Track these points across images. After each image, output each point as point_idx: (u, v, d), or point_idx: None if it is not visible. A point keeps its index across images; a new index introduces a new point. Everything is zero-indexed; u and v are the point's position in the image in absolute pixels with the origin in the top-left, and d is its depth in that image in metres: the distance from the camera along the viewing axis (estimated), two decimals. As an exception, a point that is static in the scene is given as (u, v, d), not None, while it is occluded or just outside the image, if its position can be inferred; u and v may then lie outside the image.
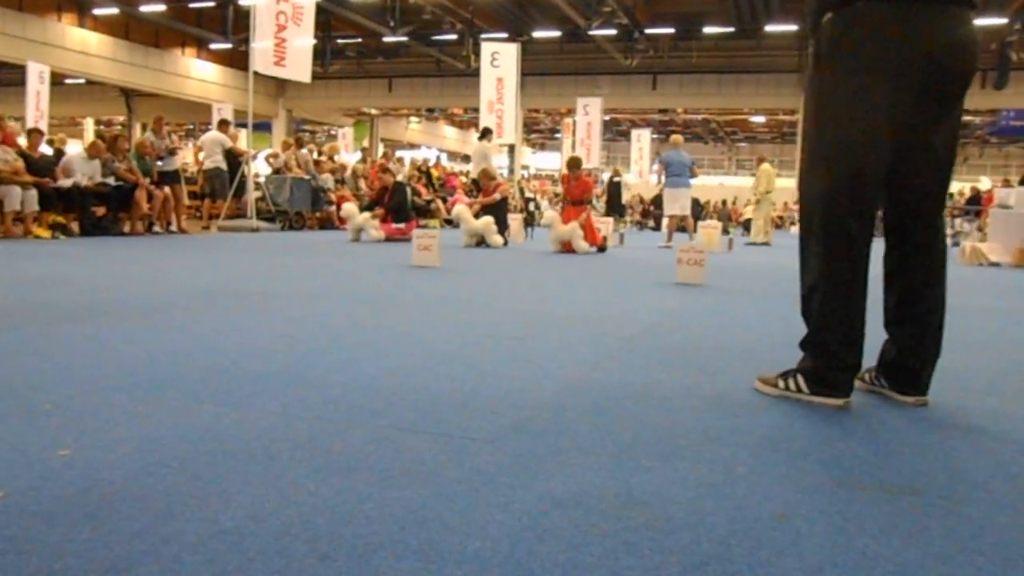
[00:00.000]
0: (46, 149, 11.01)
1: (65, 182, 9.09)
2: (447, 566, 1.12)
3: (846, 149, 2.09)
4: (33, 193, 8.58)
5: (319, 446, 1.64)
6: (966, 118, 23.57)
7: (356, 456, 1.58)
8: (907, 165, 2.13)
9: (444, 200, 15.83)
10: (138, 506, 1.29)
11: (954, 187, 18.16)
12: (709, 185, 36.69)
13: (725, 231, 14.68)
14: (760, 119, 37.87)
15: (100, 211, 9.49)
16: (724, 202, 28.46)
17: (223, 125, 12.80)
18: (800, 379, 2.20)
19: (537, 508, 1.35)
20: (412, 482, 1.45)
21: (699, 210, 21.59)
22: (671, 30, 26.92)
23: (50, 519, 1.23)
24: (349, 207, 10.50)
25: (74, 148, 12.91)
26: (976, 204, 17.47)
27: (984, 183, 22.18)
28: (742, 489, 1.48)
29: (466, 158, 33.32)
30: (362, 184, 14.66)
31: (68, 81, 29.05)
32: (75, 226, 9.23)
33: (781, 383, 2.25)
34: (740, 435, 1.85)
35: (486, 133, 13.23)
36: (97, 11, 25.93)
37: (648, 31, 26.84)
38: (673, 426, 1.91)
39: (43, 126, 16.65)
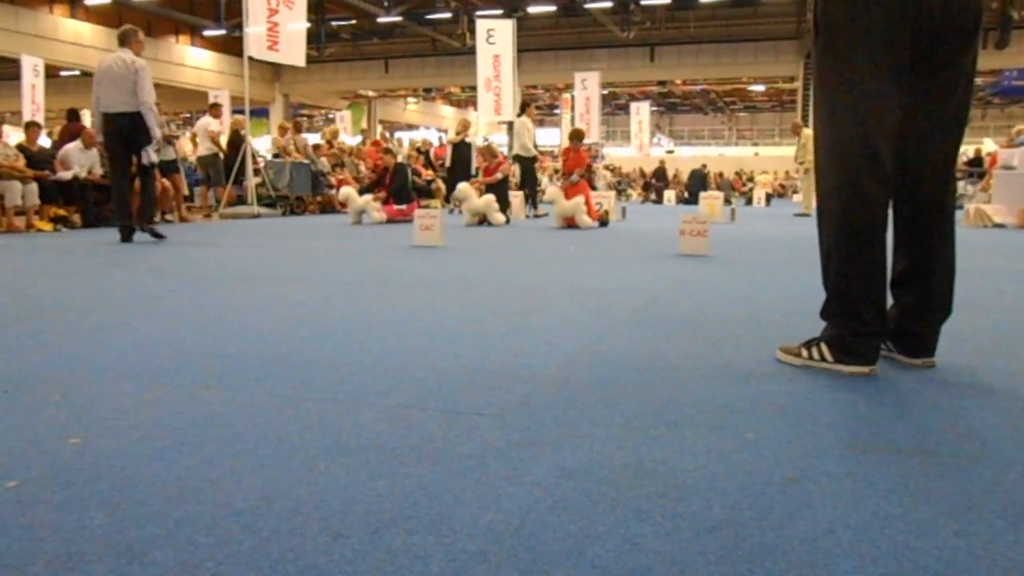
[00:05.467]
0: (45, 141, 10.99)
1: (64, 175, 9.08)
2: (460, 540, 1.13)
3: (855, 112, 2.07)
4: (33, 187, 8.58)
5: (329, 427, 1.64)
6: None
7: (366, 435, 1.59)
8: (917, 123, 2.11)
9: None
10: (151, 491, 1.30)
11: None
12: (709, 156, 36.56)
13: (727, 201, 14.62)
14: (759, 88, 37.61)
15: (100, 201, 9.49)
16: (722, 173, 28.31)
17: (214, 109, 12.74)
18: (824, 348, 2.17)
19: (547, 480, 1.35)
20: (422, 459, 1.45)
21: (702, 181, 21.50)
22: (667, 0, 26.65)
23: (64, 506, 1.24)
24: (347, 191, 10.46)
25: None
26: (979, 166, 17.34)
27: (988, 144, 22.00)
28: (752, 455, 1.49)
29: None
30: (362, 167, 14.61)
31: (63, 73, 28.90)
32: (77, 218, 9.23)
33: (804, 352, 2.22)
34: (748, 402, 1.85)
35: (525, 107, 13.06)
36: (88, 1, 25.73)
37: (644, 2, 26.58)
38: (680, 396, 1.91)
39: (40, 120, 16.61)
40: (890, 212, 2.23)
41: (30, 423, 1.67)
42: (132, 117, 6.64)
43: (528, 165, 12.39)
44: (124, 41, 6.88)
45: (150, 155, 6.92)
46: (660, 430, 1.63)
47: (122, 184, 6.94)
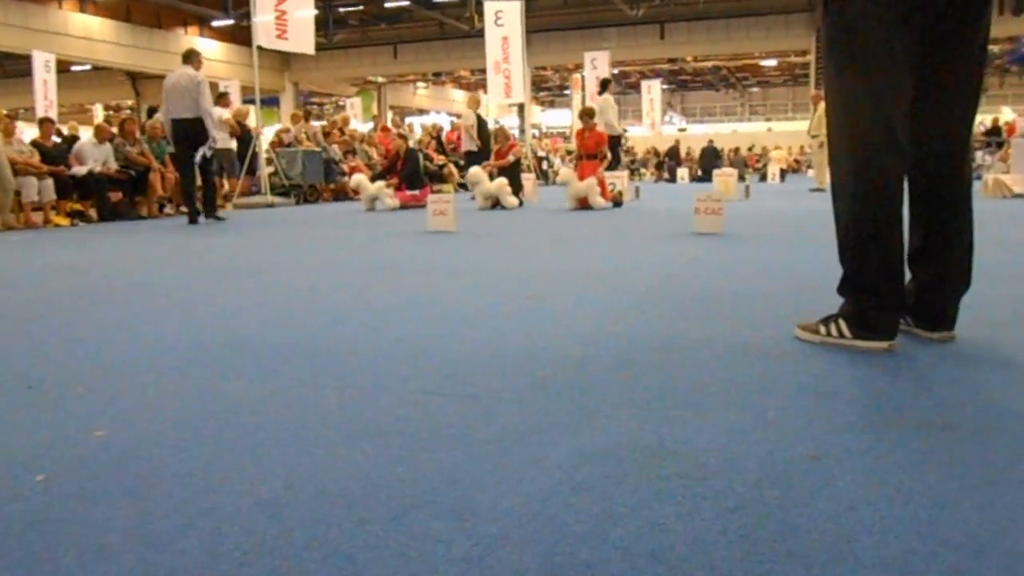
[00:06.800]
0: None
1: (80, 170, 9.14)
2: (481, 523, 1.14)
3: (868, 88, 2.04)
4: (49, 182, 8.64)
5: (349, 413, 1.66)
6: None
7: (386, 421, 1.60)
8: (931, 92, 2.08)
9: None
10: (176, 482, 1.32)
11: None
12: (722, 133, 36.26)
13: (741, 178, 14.50)
14: (771, 62, 37.20)
15: (116, 196, 9.55)
16: (737, 149, 28.09)
17: (223, 99, 12.76)
18: (842, 323, 2.16)
19: (568, 463, 1.36)
20: (442, 444, 1.46)
21: (716, 159, 21.35)
22: (676, -24, 26.36)
23: (91, 498, 1.26)
24: (358, 178, 10.47)
25: (86, 135, 12.95)
26: (997, 136, 17.11)
27: (1006, 113, 21.67)
28: (772, 433, 1.48)
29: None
30: (373, 153, 14.61)
31: (74, 68, 29.03)
32: (93, 212, 9.30)
33: (823, 329, 2.20)
34: (767, 381, 1.85)
35: (606, 85, 12.85)
36: (97, -5, 25.81)
37: (653, -21, 26.31)
38: (699, 376, 1.90)
39: (52, 115, 16.72)
40: (906, 185, 2.21)
41: (56, 417, 1.70)
42: (194, 122, 8.01)
43: (613, 143, 12.03)
44: (188, 59, 8.24)
45: (204, 152, 8.12)
46: (680, 411, 1.63)
47: (187, 177, 8.33)
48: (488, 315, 2.76)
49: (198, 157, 8.09)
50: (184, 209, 10.33)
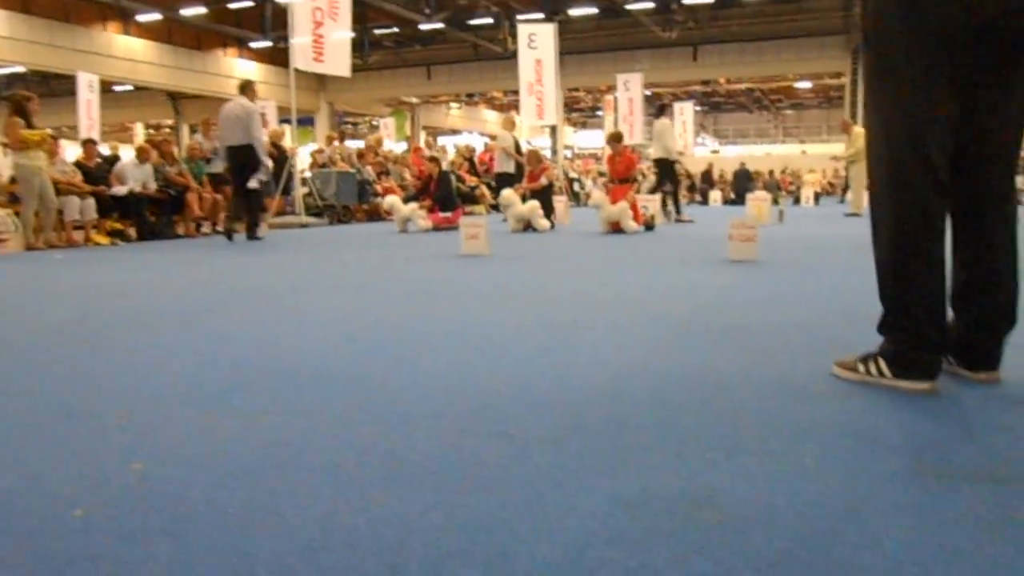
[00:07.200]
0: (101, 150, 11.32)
1: (120, 189, 9.33)
2: (517, 575, 1.12)
3: (908, 123, 2.00)
4: (91, 202, 8.85)
5: (382, 452, 1.65)
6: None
7: (419, 461, 1.59)
8: (976, 119, 2.02)
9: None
10: (213, 521, 1.32)
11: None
12: (755, 155, 36.05)
13: (775, 201, 14.37)
14: (806, 84, 36.99)
15: (154, 215, 9.73)
16: (772, 172, 27.87)
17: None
18: (882, 362, 2.10)
19: (603, 510, 1.34)
20: (477, 488, 1.45)
21: (748, 181, 21.21)
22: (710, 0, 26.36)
23: (129, 536, 1.27)
24: (391, 200, 10.58)
25: (126, 154, 13.23)
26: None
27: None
28: (812, 482, 1.45)
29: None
30: (406, 174, 14.74)
31: (116, 88, 29.76)
32: (132, 231, 9.49)
33: (861, 367, 2.15)
34: (804, 422, 1.82)
35: (663, 110, 12.75)
36: (140, 17, 26.45)
37: (686, 2, 26.33)
38: (735, 416, 1.88)
39: (95, 134, 17.12)
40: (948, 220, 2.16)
41: (94, 447, 1.72)
42: (245, 149, 8.71)
43: (669, 167, 11.93)
44: (243, 90, 8.98)
45: (256, 180, 8.77)
46: (716, 455, 1.61)
47: (236, 199, 9.07)
48: (520, 344, 2.75)
49: (253, 183, 8.70)
50: (219, 229, 10.54)
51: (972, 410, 1.91)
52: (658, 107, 13.01)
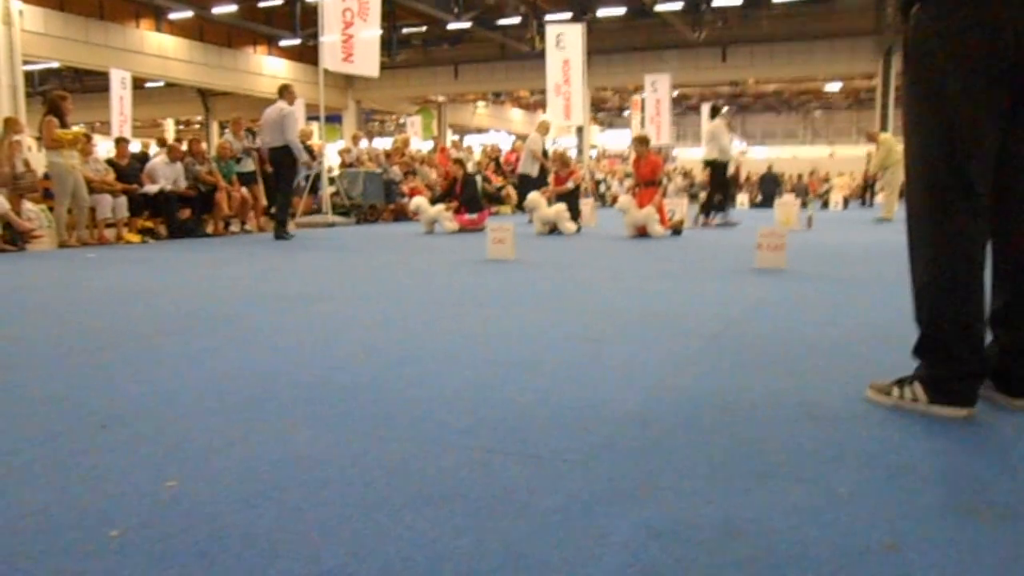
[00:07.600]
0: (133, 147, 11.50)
1: (151, 188, 9.45)
2: (549, 609, 1.12)
3: (948, 146, 1.97)
4: (123, 200, 8.96)
5: (412, 472, 1.66)
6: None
7: (449, 483, 1.59)
8: (1016, 142, 2.00)
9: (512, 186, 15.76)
10: (245, 544, 1.33)
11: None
12: (783, 157, 35.70)
13: (803, 205, 14.22)
14: (835, 86, 36.58)
15: (184, 213, 9.84)
16: (800, 176, 27.60)
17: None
18: (917, 387, 2.06)
19: (635, 540, 1.33)
20: (506, 513, 1.45)
21: (776, 185, 21.02)
22: (739, 0, 26.14)
23: (164, 559, 1.28)
24: (418, 201, 10.62)
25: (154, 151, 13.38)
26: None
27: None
28: (846, 514, 1.43)
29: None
30: (433, 174, 14.78)
31: (148, 84, 30.16)
32: (163, 229, 9.60)
33: (896, 391, 2.12)
34: (836, 449, 1.79)
35: (717, 111, 12.60)
36: (173, 15, 26.78)
37: (715, 3, 26.13)
38: (766, 440, 1.86)
39: (127, 130, 17.37)
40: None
41: (128, 463, 1.73)
42: (282, 149, 9.27)
43: (722, 170, 11.73)
44: (281, 94, 9.59)
45: (306, 173, 9.55)
46: (747, 482, 1.59)
47: (278, 196, 9.63)
48: (548, 360, 2.74)
49: (300, 179, 9.52)
50: (249, 228, 10.67)
51: (1010, 440, 1.87)
52: (712, 108, 12.78)
